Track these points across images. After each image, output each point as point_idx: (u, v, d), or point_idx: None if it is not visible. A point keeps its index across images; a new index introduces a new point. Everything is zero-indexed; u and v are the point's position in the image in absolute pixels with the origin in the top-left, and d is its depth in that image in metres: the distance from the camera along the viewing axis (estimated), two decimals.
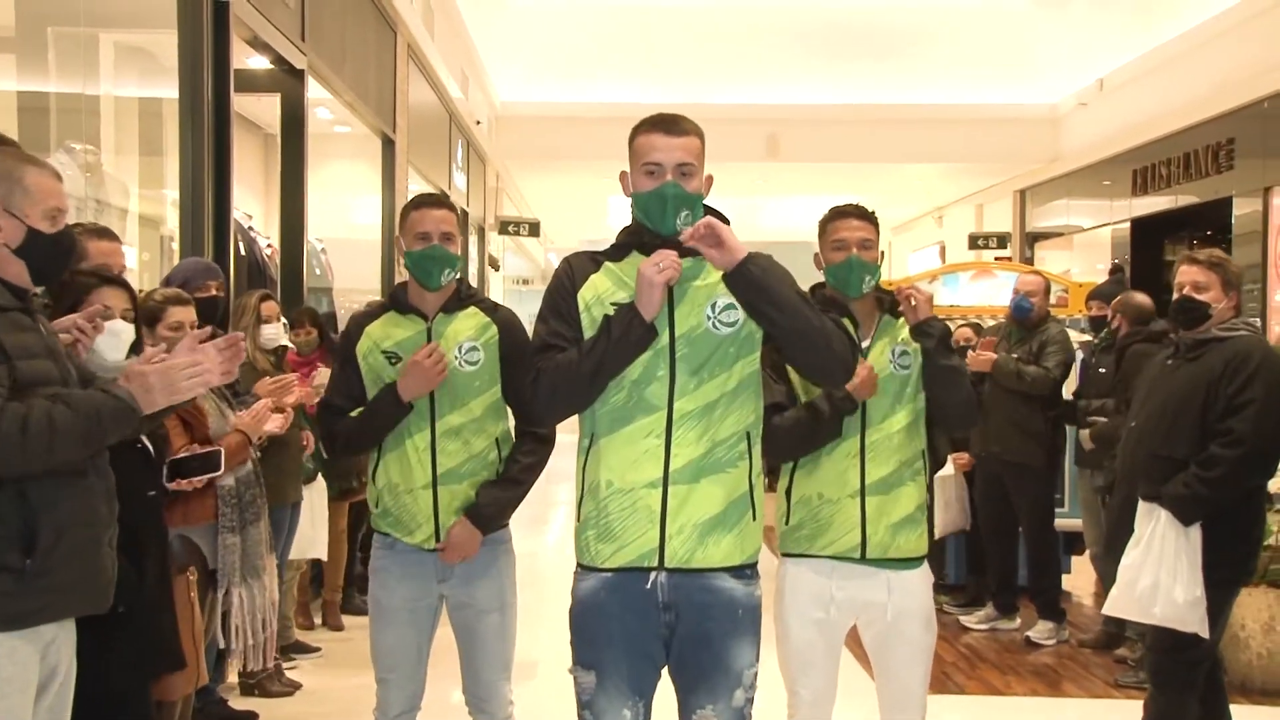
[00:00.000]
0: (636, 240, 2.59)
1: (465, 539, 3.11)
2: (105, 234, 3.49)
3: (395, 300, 3.22)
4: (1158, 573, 3.57)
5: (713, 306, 2.53)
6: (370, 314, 3.25)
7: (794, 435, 2.96)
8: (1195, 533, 3.58)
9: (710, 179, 2.60)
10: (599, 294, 2.57)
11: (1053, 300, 7.61)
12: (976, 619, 6.22)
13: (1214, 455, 3.58)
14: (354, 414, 3.15)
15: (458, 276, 3.20)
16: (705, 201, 2.59)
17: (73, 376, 2.53)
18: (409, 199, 3.26)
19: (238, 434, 3.58)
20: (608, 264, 2.60)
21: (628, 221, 2.65)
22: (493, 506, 3.13)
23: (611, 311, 2.51)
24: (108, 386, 2.41)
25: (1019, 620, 6.20)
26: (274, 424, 3.99)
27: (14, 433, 2.22)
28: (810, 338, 2.50)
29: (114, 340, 2.91)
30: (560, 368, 2.52)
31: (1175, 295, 3.78)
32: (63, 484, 2.37)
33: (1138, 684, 4.85)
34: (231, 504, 3.65)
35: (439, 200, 3.23)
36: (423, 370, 3.03)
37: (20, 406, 2.26)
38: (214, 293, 4.35)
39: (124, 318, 2.99)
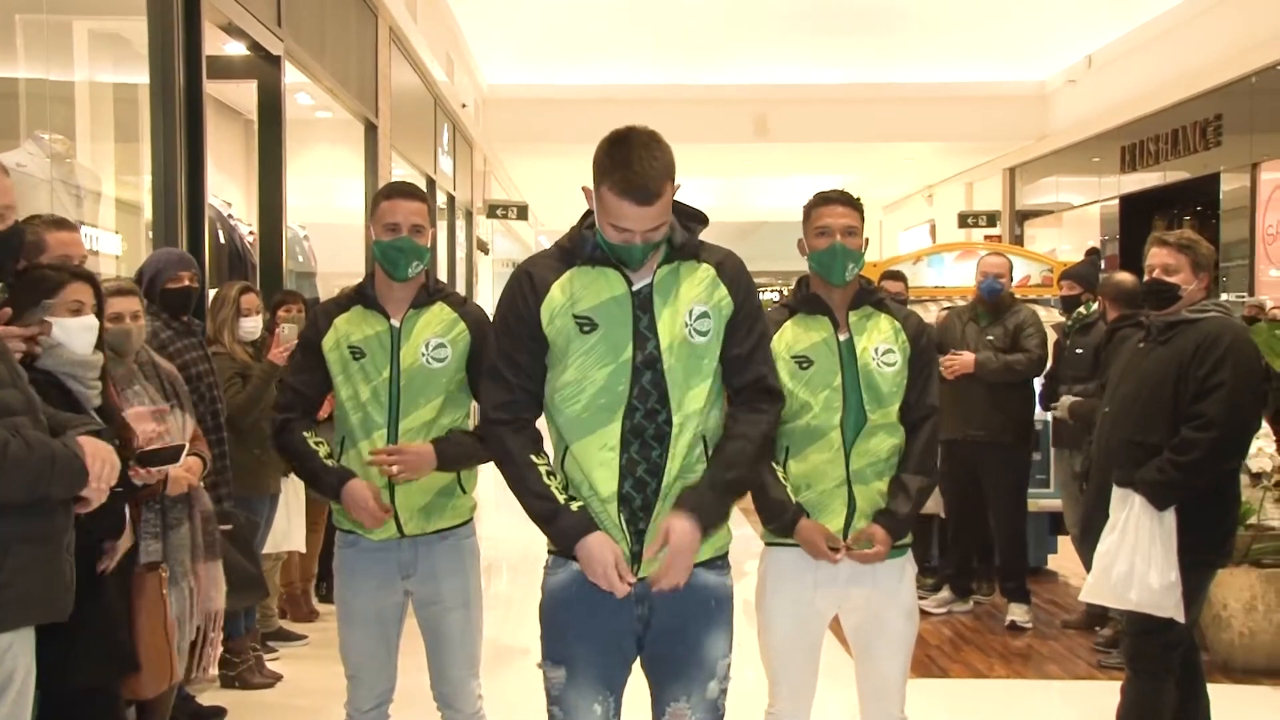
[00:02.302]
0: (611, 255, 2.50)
1: (418, 455, 3.02)
2: (63, 225, 3.43)
3: (362, 294, 3.17)
4: (1133, 558, 3.55)
5: (690, 314, 2.49)
6: (339, 305, 3.20)
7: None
8: (1169, 517, 3.55)
9: (676, 188, 2.49)
10: (562, 305, 2.49)
11: (1037, 279, 7.60)
12: (934, 602, 6.22)
13: (1187, 439, 3.55)
14: (308, 439, 3.11)
15: (425, 269, 3.16)
16: (682, 199, 2.52)
17: (24, 375, 2.49)
18: (380, 187, 3.21)
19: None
20: (578, 267, 2.51)
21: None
22: (459, 447, 3.08)
23: (572, 323, 2.46)
24: (66, 439, 2.37)
25: (971, 603, 6.25)
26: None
27: None
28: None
29: (85, 335, 2.88)
30: (507, 468, 2.51)
31: (1145, 277, 3.75)
32: None
33: (1120, 664, 4.84)
34: (154, 509, 3.53)
35: (410, 191, 3.18)
36: (370, 514, 3.01)
37: None
38: (186, 283, 4.31)
39: (90, 311, 2.95)
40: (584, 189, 2.50)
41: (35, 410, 2.45)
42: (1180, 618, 3.53)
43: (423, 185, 11.03)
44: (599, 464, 2.46)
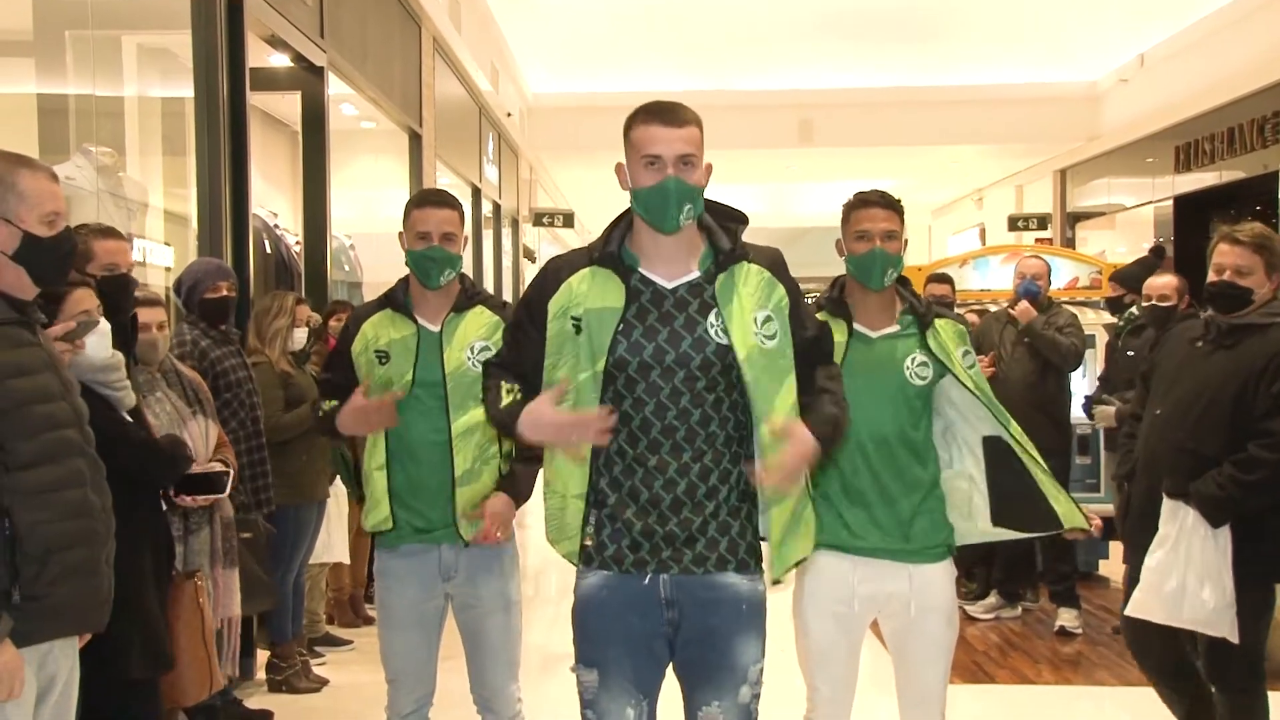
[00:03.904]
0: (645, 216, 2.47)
1: (504, 509, 3.11)
2: (111, 234, 3.50)
3: (391, 299, 3.20)
4: (1185, 574, 3.37)
5: (755, 321, 2.46)
6: (368, 310, 3.24)
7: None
8: (1224, 533, 3.37)
9: (710, 167, 2.51)
10: (570, 300, 2.49)
11: (1086, 282, 7.50)
12: (982, 608, 6.13)
13: (1254, 458, 3.31)
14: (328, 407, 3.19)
15: (459, 275, 3.18)
16: (705, 194, 2.51)
17: (75, 387, 2.53)
18: (411, 195, 3.23)
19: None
20: (596, 266, 2.51)
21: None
22: (525, 481, 3.15)
23: (570, 324, 2.46)
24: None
25: (1020, 609, 6.14)
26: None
27: None
28: None
29: (99, 340, 2.91)
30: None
31: (1213, 277, 3.45)
32: (57, 504, 2.36)
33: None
34: (177, 512, 3.58)
35: (440, 199, 3.19)
36: (365, 413, 3.04)
37: None
38: (225, 293, 4.36)
39: (98, 315, 2.99)
40: (618, 166, 2.51)
41: (83, 422, 2.48)
42: (1234, 638, 3.36)
43: (468, 194, 11.12)
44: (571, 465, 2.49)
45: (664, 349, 2.44)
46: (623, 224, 2.54)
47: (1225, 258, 3.40)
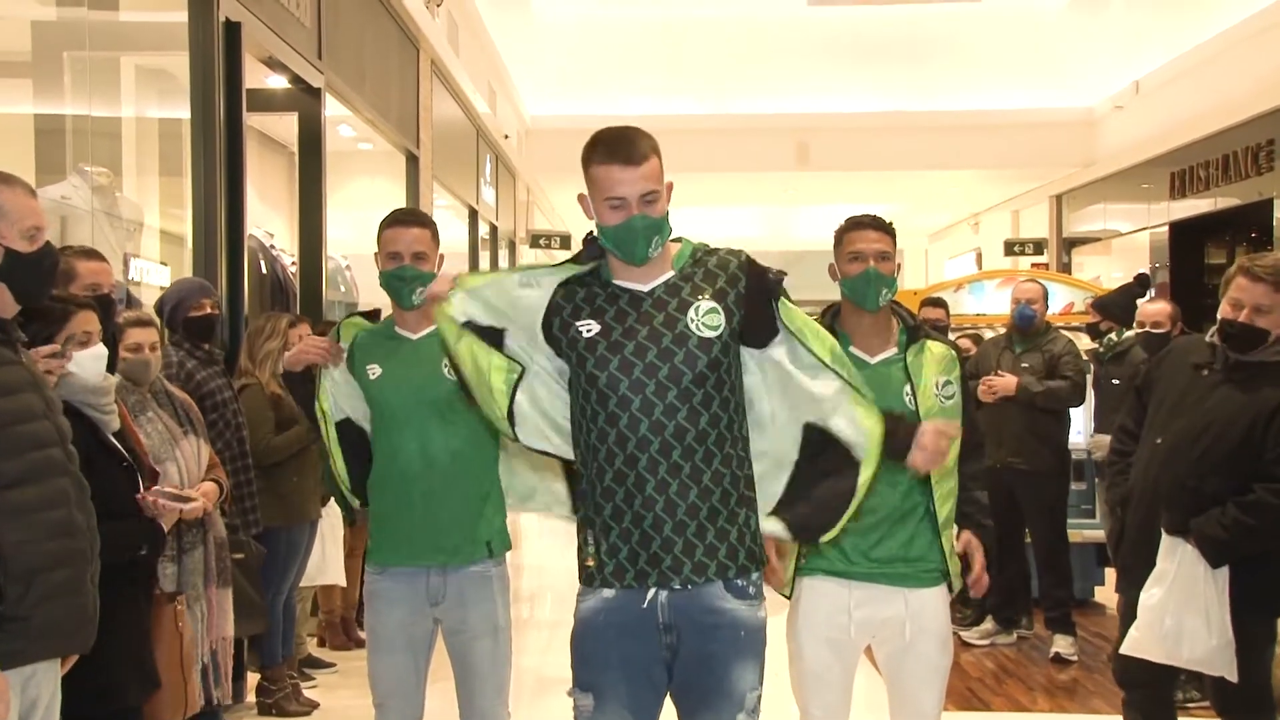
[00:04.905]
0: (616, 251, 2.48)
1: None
2: (93, 255, 3.52)
3: (369, 316, 3.26)
4: (1183, 613, 3.29)
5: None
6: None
7: None
8: (1223, 571, 3.31)
9: (670, 186, 2.51)
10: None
11: (1081, 307, 7.49)
12: (977, 634, 6.10)
13: (1262, 503, 3.23)
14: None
15: None
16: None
17: (57, 405, 2.51)
18: (385, 216, 3.21)
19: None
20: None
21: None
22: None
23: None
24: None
25: (1015, 635, 6.13)
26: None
27: None
28: None
29: (96, 364, 2.90)
30: None
31: (1229, 312, 3.30)
32: (41, 524, 2.34)
33: (1201, 704, 4.61)
34: (171, 530, 3.53)
35: (411, 219, 3.20)
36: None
37: None
38: (209, 311, 4.35)
39: (98, 339, 2.98)
40: (579, 197, 2.52)
41: (66, 441, 2.46)
42: (1232, 676, 3.31)
43: (465, 216, 11.13)
44: None
45: (645, 345, 2.44)
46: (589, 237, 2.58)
47: (1244, 294, 3.27)
